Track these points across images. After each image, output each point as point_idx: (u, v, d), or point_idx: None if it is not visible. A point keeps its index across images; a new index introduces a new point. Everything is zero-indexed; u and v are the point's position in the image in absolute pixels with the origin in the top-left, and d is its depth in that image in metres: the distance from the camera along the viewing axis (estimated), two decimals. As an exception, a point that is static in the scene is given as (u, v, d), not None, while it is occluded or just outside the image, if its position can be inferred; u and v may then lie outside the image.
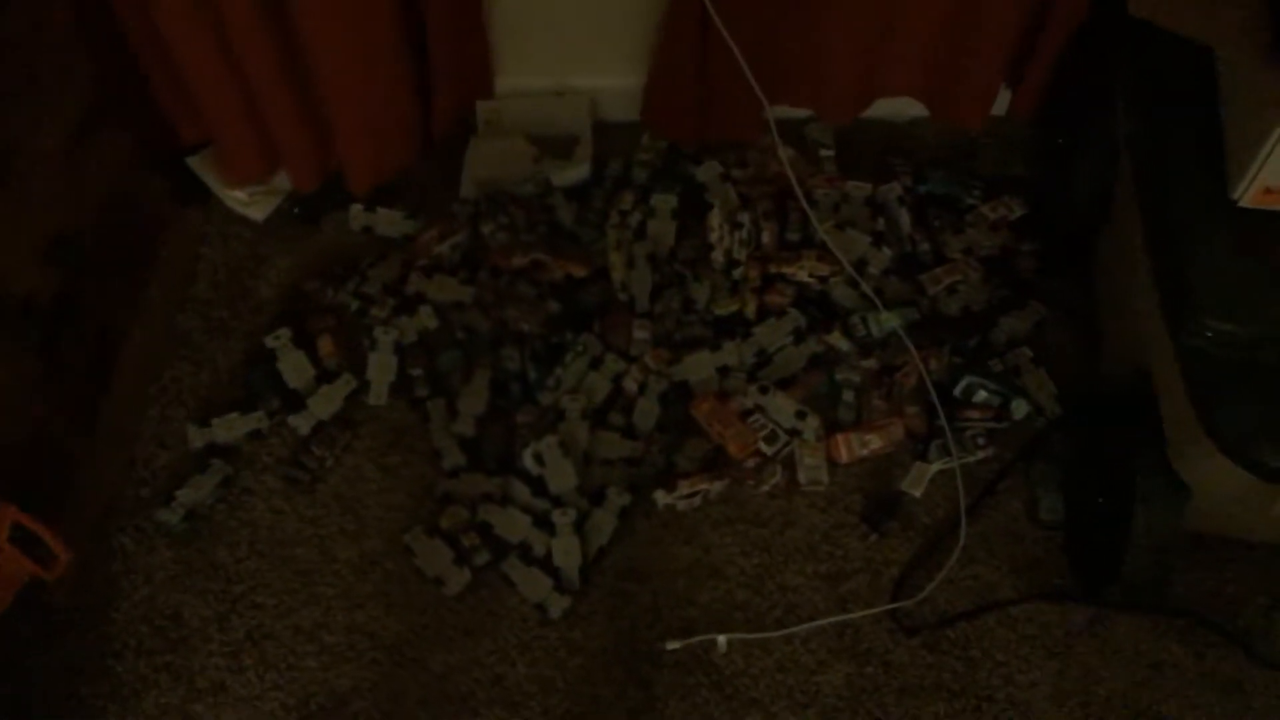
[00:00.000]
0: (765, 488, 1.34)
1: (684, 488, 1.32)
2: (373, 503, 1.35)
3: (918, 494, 1.33)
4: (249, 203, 1.55)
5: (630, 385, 1.39)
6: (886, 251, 1.47)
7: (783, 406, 1.36)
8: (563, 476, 1.32)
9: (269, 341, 1.42)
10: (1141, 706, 1.21)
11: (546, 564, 1.29)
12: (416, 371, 1.42)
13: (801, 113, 1.58)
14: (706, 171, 1.53)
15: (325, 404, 1.39)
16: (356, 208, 1.55)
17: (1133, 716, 1.21)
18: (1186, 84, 1.16)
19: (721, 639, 1.25)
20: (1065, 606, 1.27)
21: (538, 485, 1.33)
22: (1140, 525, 1.12)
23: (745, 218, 1.47)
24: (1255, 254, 1.04)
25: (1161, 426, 1.13)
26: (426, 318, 1.45)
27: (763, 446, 1.35)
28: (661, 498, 1.32)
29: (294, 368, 1.41)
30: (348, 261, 1.51)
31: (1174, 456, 1.10)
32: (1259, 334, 1.00)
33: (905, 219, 1.50)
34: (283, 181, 1.56)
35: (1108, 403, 1.30)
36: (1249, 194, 1.04)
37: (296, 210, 1.56)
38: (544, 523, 1.31)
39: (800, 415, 1.36)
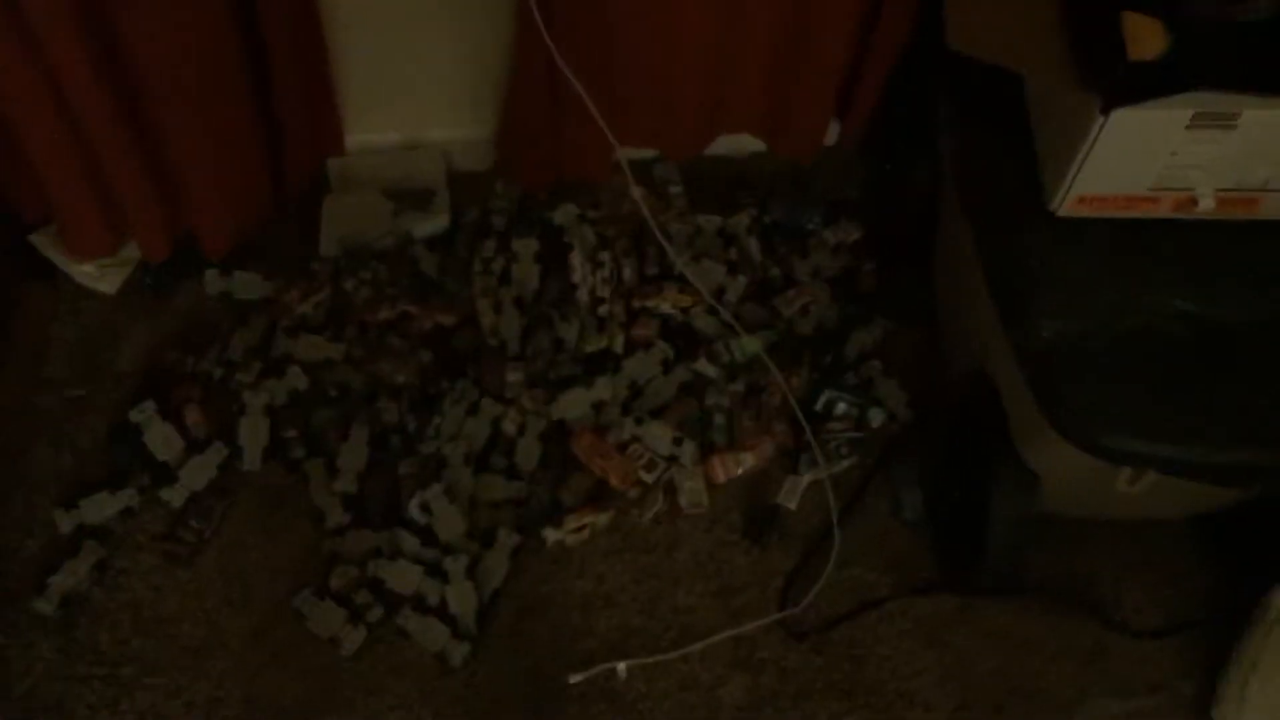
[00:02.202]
0: (649, 515, 1.39)
1: (571, 523, 1.36)
2: (257, 570, 1.33)
3: (793, 506, 1.40)
4: (98, 276, 1.51)
5: (509, 427, 1.42)
6: (741, 279, 1.54)
7: (659, 435, 1.41)
8: (451, 523, 1.34)
9: (133, 416, 1.38)
10: (1016, 682, 1.31)
11: (442, 612, 1.30)
12: (290, 433, 1.40)
13: (648, 153, 1.65)
14: (563, 214, 1.58)
15: (198, 475, 1.37)
16: (212, 273, 1.52)
17: (1009, 692, 1.30)
18: (1000, 107, 1.27)
19: (621, 666, 1.28)
20: (935, 597, 1.35)
21: (426, 535, 1.34)
22: (996, 514, 1.22)
23: (605, 256, 1.52)
24: (1075, 257, 1.15)
25: (1006, 421, 1.23)
26: (296, 378, 1.44)
27: (643, 475, 1.40)
28: (550, 534, 1.35)
29: (161, 440, 1.38)
30: (208, 328, 1.49)
31: (1021, 447, 1.21)
32: (1086, 328, 1.11)
33: (755, 247, 1.58)
34: (132, 251, 1.52)
35: (955, 404, 1.40)
36: (1065, 204, 1.15)
37: (149, 280, 1.53)
38: (436, 572, 1.31)
39: (676, 442, 1.41)
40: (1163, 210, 1.15)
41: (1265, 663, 1.22)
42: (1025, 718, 1.28)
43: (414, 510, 1.35)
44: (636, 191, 1.54)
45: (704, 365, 1.47)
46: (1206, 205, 1.14)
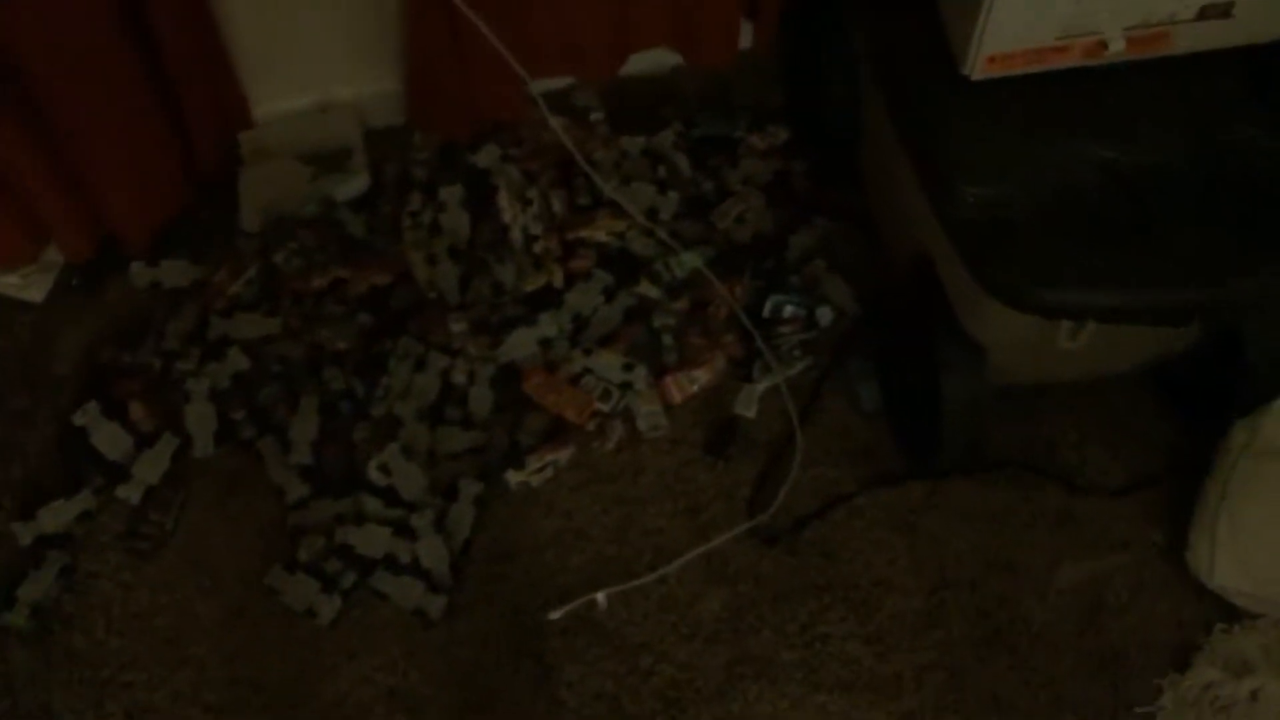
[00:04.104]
0: (610, 444, 1.38)
1: (533, 463, 1.35)
2: (224, 553, 1.32)
3: (751, 414, 1.39)
4: (24, 285, 1.48)
5: (459, 377, 1.40)
6: (673, 196, 1.52)
7: (609, 363, 1.40)
8: (411, 480, 1.33)
9: (77, 419, 1.36)
10: (990, 556, 1.31)
11: (415, 569, 1.29)
12: (238, 414, 1.39)
13: (563, 81, 1.62)
14: (485, 156, 1.55)
15: (151, 468, 1.35)
16: (138, 265, 1.49)
17: (985, 567, 1.30)
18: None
19: (600, 596, 1.28)
20: (902, 486, 1.35)
21: (389, 495, 1.33)
22: (948, 391, 1.21)
23: (533, 193, 1.50)
24: (993, 120, 1.14)
25: (947, 297, 1.22)
26: (236, 359, 1.41)
27: (599, 406, 1.39)
28: (513, 477, 1.34)
29: (109, 439, 1.36)
30: (141, 321, 1.46)
31: (964, 321, 1.20)
32: (1009, 188, 1.09)
33: (684, 163, 1.55)
34: (55, 255, 1.49)
35: (898, 289, 1.39)
36: (977, 66, 1.13)
37: (75, 281, 1.50)
38: (404, 530, 1.31)
39: (627, 368, 1.40)
40: (1074, 58, 1.13)
41: (1231, 501, 1.22)
42: (1002, 590, 1.28)
43: (373, 473, 1.34)
44: (556, 123, 1.51)
45: (646, 287, 1.46)
46: (1116, 46, 1.12)
